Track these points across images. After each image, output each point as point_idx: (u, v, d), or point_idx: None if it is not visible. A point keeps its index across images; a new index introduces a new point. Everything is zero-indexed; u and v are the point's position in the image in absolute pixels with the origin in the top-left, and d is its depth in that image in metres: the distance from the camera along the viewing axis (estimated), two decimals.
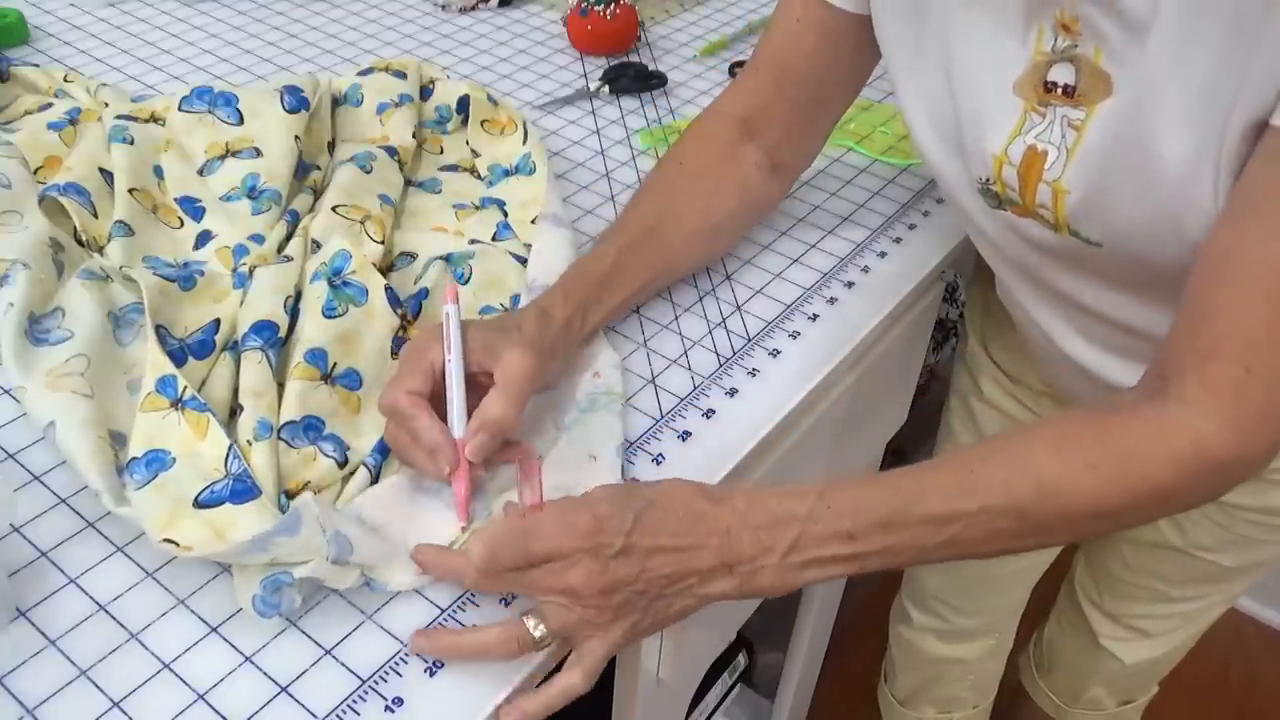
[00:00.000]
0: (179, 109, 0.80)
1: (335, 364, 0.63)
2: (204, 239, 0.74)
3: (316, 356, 0.62)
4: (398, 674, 0.51)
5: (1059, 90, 0.57)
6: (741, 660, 1.18)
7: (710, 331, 0.73)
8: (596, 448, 0.62)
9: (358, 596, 0.54)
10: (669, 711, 0.85)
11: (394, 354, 0.65)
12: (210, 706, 0.49)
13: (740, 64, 1.06)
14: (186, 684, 0.50)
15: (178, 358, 0.63)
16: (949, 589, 1.06)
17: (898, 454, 1.52)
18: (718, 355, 0.71)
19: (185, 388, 0.59)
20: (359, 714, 0.49)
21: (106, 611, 0.53)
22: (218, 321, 0.66)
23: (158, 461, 0.57)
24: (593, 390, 0.65)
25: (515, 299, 0.72)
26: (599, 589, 0.51)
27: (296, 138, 0.78)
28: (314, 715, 0.49)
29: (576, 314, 0.65)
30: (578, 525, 0.51)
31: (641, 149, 0.93)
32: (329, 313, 0.64)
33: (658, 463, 0.63)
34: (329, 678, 0.51)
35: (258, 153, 0.77)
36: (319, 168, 0.80)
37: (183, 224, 0.75)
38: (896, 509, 0.53)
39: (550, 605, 0.51)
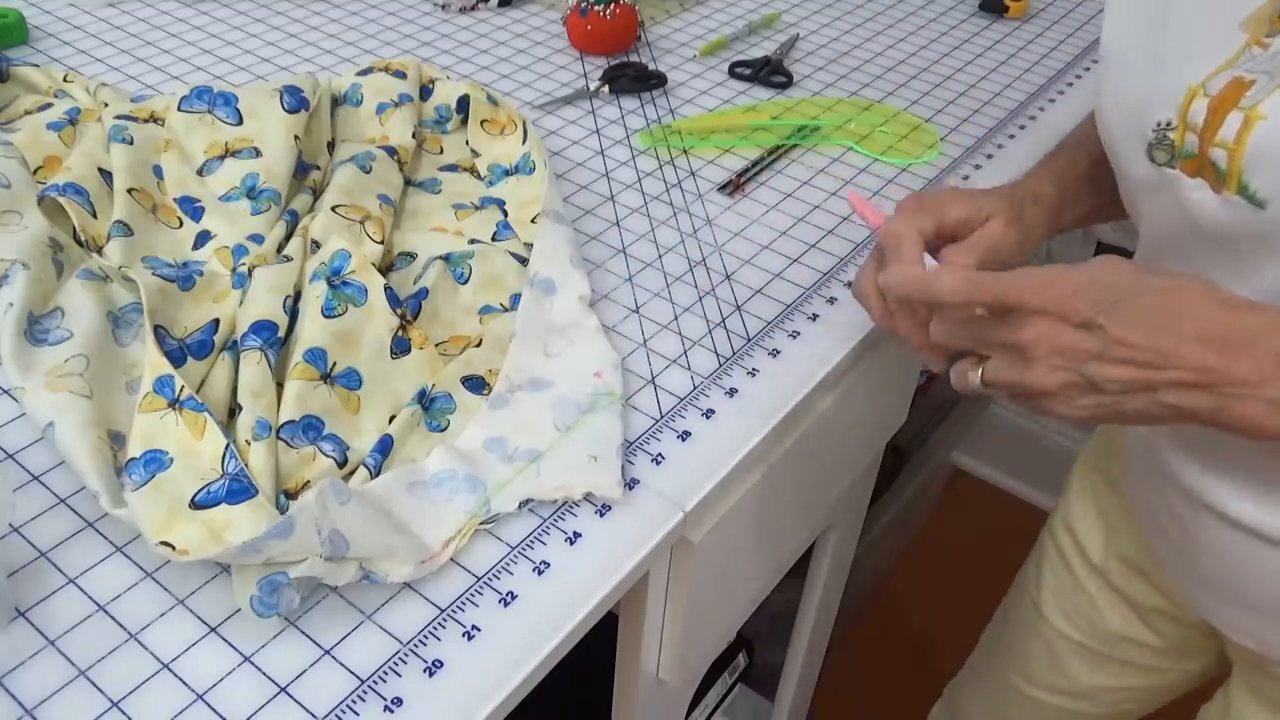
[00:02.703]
0: (178, 109, 0.80)
1: (335, 364, 0.63)
2: (203, 239, 0.74)
3: (316, 356, 0.62)
4: (397, 674, 0.51)
5: None
6: (741, 660, 1.18)
7: (710, 331, 0.73)
8: (597, 448, 0.62)
9: (357, 596, 0.54)
10: (669, 711, 0.85)
11: (393, 354, 0.65)
12: (210, 706, 0.49)
13: (740, 64, 1.06)
14: (186, 684, 0.50)
15: (176, 358, 0.63)
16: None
17: (898, 454, 1.53)
18: (718, 355, 0.71)
19: (183, 388, 0.59)
20: (358, 714, 0.49)
21: (106, 611, 0.53)
22: (217, 321, 0.66)
23: (155, 462, 0.57)
24: (593, 390, 0.65)
25: (515, 298, 0.72)
26: (1053, 348, 0.49)
27: (296, 137, 0.78)
28: (314, 715, 0.49)
29: (1060, 204, 0.67)
30: (1051, 284, 0.49)
31: (641, 149, 0.93)
32: (328, 312, 0.64)
33: (657, 463, 0.63)
34: (329, 678, 0.51)
35: (257, 152, 0.78)
36: (318, 168, 0.80)
37: (182, 224, 0.75)
38: None
39: (996, 359, 0.51)
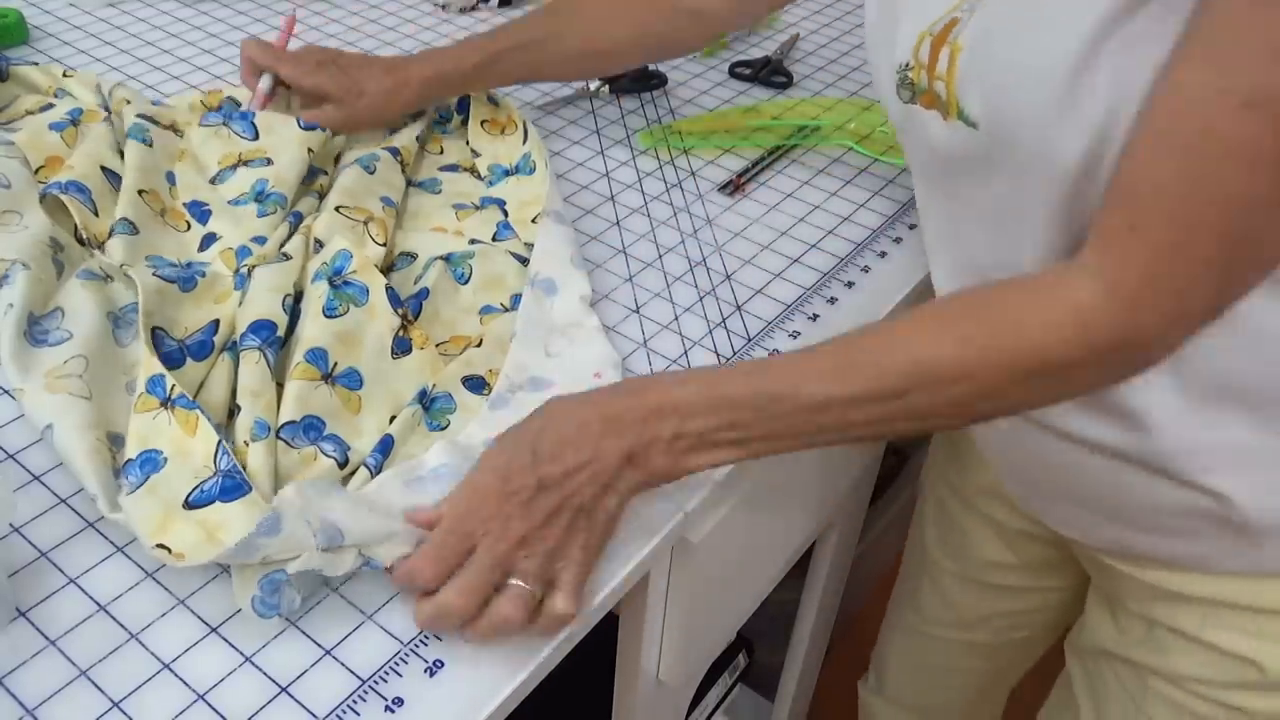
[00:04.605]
0: (199, 124, 0.81)
1: (336, 364, 0.63)
2: (209, 241, 0.74)
3: (317, 356, 0.62)
4: (398, 674, 0.51)
5: None
6: (741, 660, 1.18)
7: (710, 331, 0.73)
8: None
9: (358, 596, 0.54)
10: (669, 711, 0.85)
11: (394, 354, 0.65)
12: (210, 706, 0.49)
13: (740, 64, 1.06)
14: (186, 684, 0.50)
15: (176, 358, 0.63)
16: (908, 677, 1.03)
17: (898, 454, 1.53)
18: (718, 355, 0.71)
19: (173, 386, 0.59)
20: (359, 714, 0.49)
21: (106, 611, 0.53)
22: (217, 322, 0.66)
23: (150, 462, 0.57)
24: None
25: (515, 298, 0.72)
26: (541, 526, 0.52)
27: (310, 150, 0.78)
28: (314, 715, 0.49)
29: (429, 80, 0.81)
30: (486, 488, 0.54)
31: (641, 149, 0.93)
32: (329, 312, 0.64)
33: None
34: (329, 678, 0.51)
35: (269, 162, 0.78)
36: (325, 172, 0.80)
37: (189, 227, 0.75)
38: (775, 396, 0.53)
39: (517, 565, 0.52)
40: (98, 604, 0.53)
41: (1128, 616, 0.70)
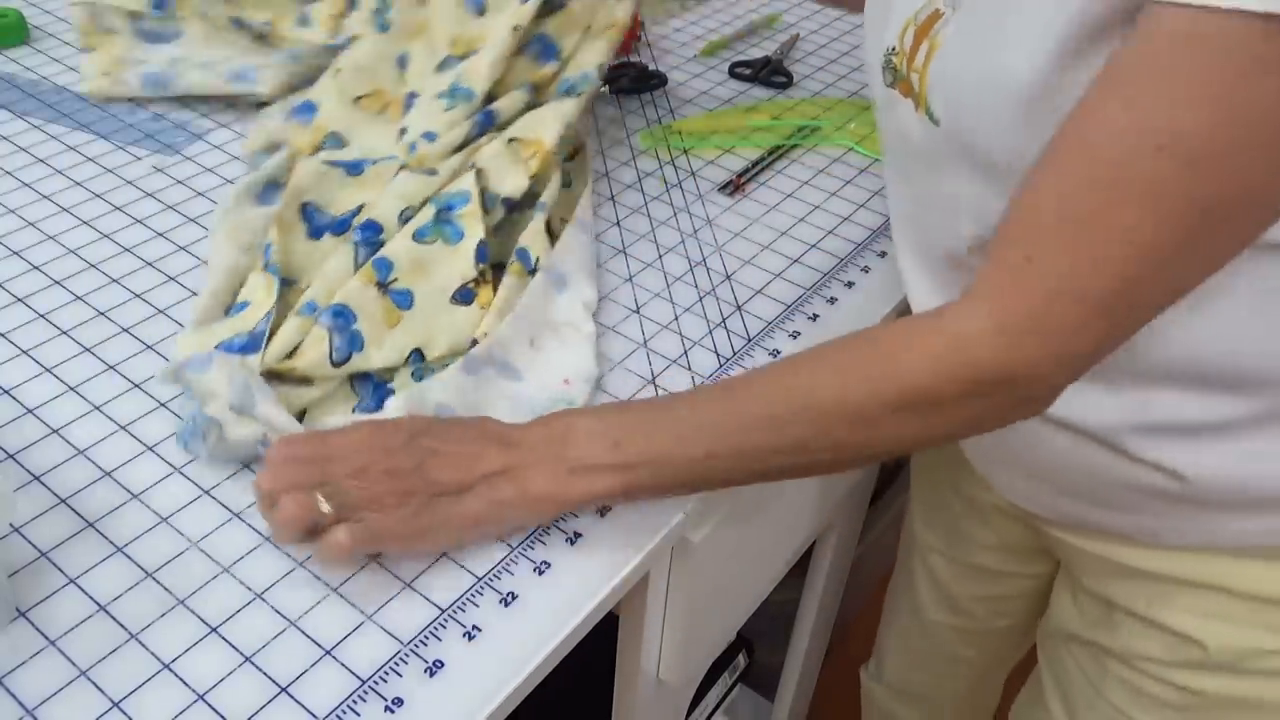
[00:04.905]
0: None
1: (396, 279, 0.66)
2: (402, 134, 0.78)
3: (381, 265, 0.66)
4: (398, 674, 0.51)
5: None
6: (741, 660, 1.18)
7: (710, 331, 0.73)
8: None
9: (358, 597, 0.54)
10: (669, 711, 0.85)
11: (454, 299, 0.67)
12: (210, 706, 0.49)
13: (741, 64, 1.06)
14: (186, 684, 0.50)
15: (319, 232, 0.71)
16: (905, 664, 1.04)
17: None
18: (718, 355, 0.71)
19: (275, 251, 0.67)
20: (359, 714, 0.49)
21: (106, 611, 0.53)
22: (361, 206, 0.71)
23: (239, 309, 0.65)
24: (554, 396, 0.65)
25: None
26: (384, 469, 0.53)
27: (515, 28, 0.79)
28: (314, 715, 0.49)
29: None
30: (365, 428, 0.55)
31: (641, 149, 0.93)
32: (419, 237, 0.68)
33: None
34: (329, 678, 0.51)
35: (475, 53, 0.80)
36: (559, 57, 0.82)
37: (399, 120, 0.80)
38: (656, 419, 0.54)
39: (339, 485, 0.52)
40: (98, 604, 0.53)
41: (1086, 597, 0.71)
